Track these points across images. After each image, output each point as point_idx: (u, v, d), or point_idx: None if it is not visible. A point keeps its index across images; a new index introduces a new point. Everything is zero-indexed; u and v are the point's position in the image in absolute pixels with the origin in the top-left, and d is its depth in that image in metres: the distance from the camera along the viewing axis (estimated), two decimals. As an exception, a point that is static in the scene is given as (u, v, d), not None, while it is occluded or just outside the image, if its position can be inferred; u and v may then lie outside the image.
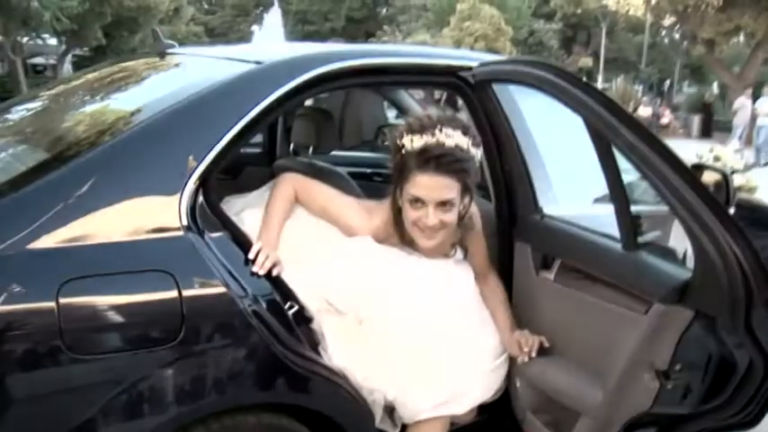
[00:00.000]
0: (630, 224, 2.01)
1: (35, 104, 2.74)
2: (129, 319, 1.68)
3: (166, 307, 1.70)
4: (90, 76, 2.69)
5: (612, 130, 1.86)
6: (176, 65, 2.50)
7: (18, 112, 2.67)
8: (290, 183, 2.23)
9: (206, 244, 1.81)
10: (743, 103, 18.40)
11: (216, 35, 43.58)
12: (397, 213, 2.15)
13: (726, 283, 1.77)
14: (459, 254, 2.33)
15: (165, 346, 1.70)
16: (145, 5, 24.07)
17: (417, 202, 2.05)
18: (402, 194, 2.09)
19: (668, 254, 2.06)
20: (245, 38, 38.80)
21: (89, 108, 2.39)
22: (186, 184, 1.79)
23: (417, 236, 2.11)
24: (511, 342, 2.27)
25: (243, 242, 1.96)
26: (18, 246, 1.59)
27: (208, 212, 1.88)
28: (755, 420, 1.96)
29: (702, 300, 1.85)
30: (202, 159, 1.83)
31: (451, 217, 2.08)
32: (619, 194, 1.99)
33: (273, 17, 33.41)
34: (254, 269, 1.90)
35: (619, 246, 2.04)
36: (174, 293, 1.69)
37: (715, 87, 33.24)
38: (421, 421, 2.18)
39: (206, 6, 42.78)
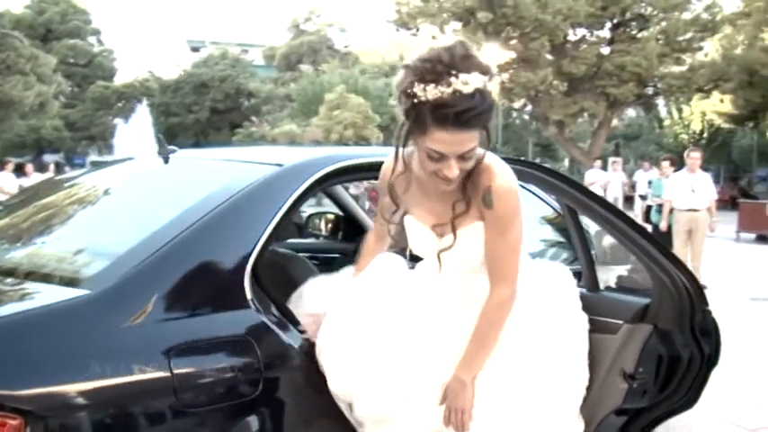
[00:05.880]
0: (594, 274, 2.70)
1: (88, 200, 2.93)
2: (225, 376, 2.02)
3: (249, 365, 2.06)
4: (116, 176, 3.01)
5: (586, 207, 2.50)
6: (202, 168, 2.83)
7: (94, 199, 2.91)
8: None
9: (267, 317, 2.17)
10: (595, 175, 20.24)
11: (76, 129, 42.52)
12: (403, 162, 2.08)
13: (677, 301, 2.50)
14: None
15: (249, 396, 2.03)
16: (7, 99, 23.52)
17: (437, 154, 1.91)
18: (417, 143, 1.96)
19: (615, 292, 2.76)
20: (108, 131, 38.14)
21: (153, 208, 2.58)
22: (245, 270, 2.13)
23: (437, 182, 2.00)
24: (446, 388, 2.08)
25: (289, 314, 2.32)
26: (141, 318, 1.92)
27: (261, 292, 2.24)
28: (693, 402, 2.65)
29: (659, 317, 2.56)
30: (253, 249, 2.17)
31: (472, 162, 1.97)
32: (586, 254, 2.65)
33: (140, 111, 33.36)
34: (305, 336, 2.21)
35: (584, 290, 2.65)
36: (253, 354, 2.06)
37: (566, 162, 36.08)
38: None
39: (64, 99, 41.75)
